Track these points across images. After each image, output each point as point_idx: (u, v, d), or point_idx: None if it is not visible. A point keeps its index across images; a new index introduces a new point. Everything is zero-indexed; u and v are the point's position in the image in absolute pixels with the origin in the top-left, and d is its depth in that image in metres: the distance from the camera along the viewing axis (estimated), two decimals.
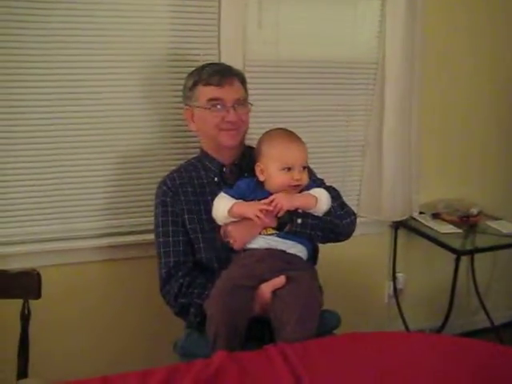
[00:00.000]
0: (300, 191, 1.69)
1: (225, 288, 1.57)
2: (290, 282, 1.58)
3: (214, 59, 2.16)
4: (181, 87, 1.91)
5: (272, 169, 1.68)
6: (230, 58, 2.14)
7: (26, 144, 2.08)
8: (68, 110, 2.10)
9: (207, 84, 1.80)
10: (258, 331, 1.60)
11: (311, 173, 1.83)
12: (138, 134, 2.21)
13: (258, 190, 1.71)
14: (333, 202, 1.74)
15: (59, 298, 2.11)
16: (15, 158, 2.08)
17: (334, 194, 1.80)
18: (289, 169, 1.66)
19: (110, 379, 1.30)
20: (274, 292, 1.58)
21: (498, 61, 2.82)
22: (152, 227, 1.88)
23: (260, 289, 1.59)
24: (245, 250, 1.70)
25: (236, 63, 2.00)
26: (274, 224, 1.66)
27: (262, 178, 1.71)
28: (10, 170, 2.09)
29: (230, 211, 1.66)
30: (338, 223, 1.77)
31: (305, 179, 1.69)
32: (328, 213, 1.72)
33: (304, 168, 1.68)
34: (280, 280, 1.59)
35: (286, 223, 1.66)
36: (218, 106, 1.78)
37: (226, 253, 1.74)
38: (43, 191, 2.14)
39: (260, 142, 1.75)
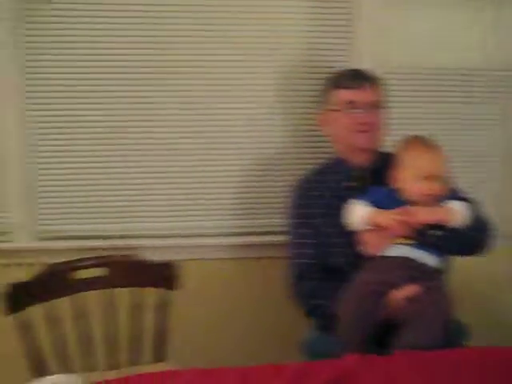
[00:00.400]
0: (437, 202, 1.66)
1: (359, 292, 1.58)
2: (423, 291, 1.57)
3: (348, 66, 2.16)
4: (314, 92, 1.99)
5: (406, 177, 1.66)
6: (366, 64, 2.14)
7: (167, 149, 2.23)
8: (207, 112, 2.21)
9: (342, 87, 1.84)
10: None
11: (450, 183, 1.77)
12: (274, 138, 2.27)
13: (392, 200, 1.68)
14: (470, 214, 1.69)
15: (194, 292, 2.18)
16: (152, 158, 2.22)
17: (471, 205, 1.74)
18: (424, 177, 1.63)
19: (248, 370, 1.35)
20: (407, 299, 1.57)
21: None
22: (284, 229, 1.93)
23: (393, 294, 1.58)
24: (379, 257, 1.68)
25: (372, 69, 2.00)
26: (409, 234, 1.63)
27: (396, 186, 1.70)
28: (150, 173, 2.23)
29: (365, 218, 1.66)
30: (474, 237, 1.72)
31: (440, 190, 1.64)
32: (465, 226, 1.66)
33: (440, 178, 1.64)
34: (413, 289, 1.58)
35: (424, 234, 1.62)
36: (352, 109, 1.81)
37: (357, 258, 1.73)
38: (185, 189, 2.26)
39: (398, 148, 1.73)
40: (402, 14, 2.29)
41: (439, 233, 1.62)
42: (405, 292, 1.58)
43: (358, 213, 1.68)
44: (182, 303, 1.95)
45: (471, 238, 1.71)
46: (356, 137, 1.82)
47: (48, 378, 1.26)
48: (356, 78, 1.85)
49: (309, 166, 2.03)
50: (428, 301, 1.55)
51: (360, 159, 1.86)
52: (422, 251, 1.64)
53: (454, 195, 1.71)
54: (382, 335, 1.58)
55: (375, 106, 1.84)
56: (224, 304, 2.33)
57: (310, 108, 2.13)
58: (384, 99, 1.89)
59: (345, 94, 1.83)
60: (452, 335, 1.76)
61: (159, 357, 1.86)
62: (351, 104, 1.81)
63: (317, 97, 1.95)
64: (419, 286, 1.58)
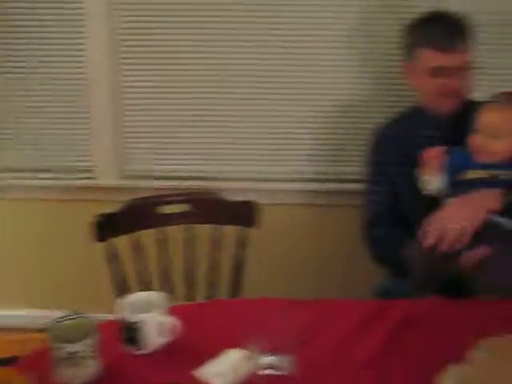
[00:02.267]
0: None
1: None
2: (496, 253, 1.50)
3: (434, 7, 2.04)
4: (396, 36, 1.88)
5: (479, 137, 1.60)
6: (457, 7, 2.02)
7: (248, 93, 2.26)
8: (287, 56, 2.21)
9: (431, 48, 1.70)
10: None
11: None
12: (352, 84, 2.24)
13: (469, 159, 1.63)
14: None
15: (272, 234, 2.23)
16: (239, 106, 2.27)
17: None
18: (494, 137, 1.57)
19: (327, 302, 1.42)
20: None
21: None
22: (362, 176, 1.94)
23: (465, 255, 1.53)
24: None
25: (467, 16, 1.81)
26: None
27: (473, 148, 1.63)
28: (233, 117, 2.28)
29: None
30: None
31: (494, 149, 1.57)
32: None
33: (496, 137, 1.56)
34: (485, 251, 1.51)
35: (509, 207, 1.55)
36: (441, 74, 1.70)
37: (430, 208, 1.66)
38: (267, 133, 2.30)
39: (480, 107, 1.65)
40: None
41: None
42: (477, 253, 1.52)
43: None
44: (260, 244, 2.01)
45: None
46: (442, 101, 1.75)
47: (133, 295, 1.33)
48: (447, 36, 1.69)
49: (390, 113, 2.00)
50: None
51: (442, 111, 1.80)
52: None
53: None
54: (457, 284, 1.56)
55: (466, 68, 1.72)
56: (301, 247, 2.38)
57: (394, 54, 2.02)
58: (474, 53, 1.77)
59: (434, 58, 1.70)
60: None
61: (235, 292, 1.93)
62: (441, 70, 1.70)
63: (400, 43, 1.85)
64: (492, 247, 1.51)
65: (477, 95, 1.84)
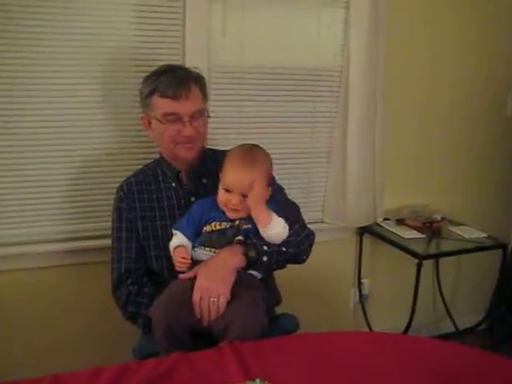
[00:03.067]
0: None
1: (170, 297, 1.57)
2: (234, 298, 1.55)
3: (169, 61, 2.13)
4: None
5: (220, 185, 1.68)
6: (194, 63, 2.10)
7: None
8: (28, 113, 2.10)
9: (163, 96, 1.73)
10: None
11: (274, 190, 1.75)
12: (97, 139, 2.21)
13: (213, 210, 1.70)
14: (294, 224, 1.73)
15: (16, 303, 2.10)
16: None
17: (294, 214, 1.79)
18: (225, 189, 1.65)
19: (62, 376, 1.30)
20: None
21: (460, 67, 2.87)
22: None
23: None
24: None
25: (200, 69, 1.92)
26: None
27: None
28: None
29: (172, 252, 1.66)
30: (298, 252, 1.76)
31: (246, 207, 1.64)
32: (287, 244, 1.70)
33: (245, 197, 1.63)
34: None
35: (253, 262, 1.63)
36: (173, 120, 1.73)
37: None
38: (6, 194, 2.13)
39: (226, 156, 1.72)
40: (237, 16, 2.34)
41: (265, 258, 1.64)
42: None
43: (170, 248, 1.67)
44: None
45: (296, 255, 1.75)
46: (178, 148, 1.77)
47: None
48: (178, 85, 1.72)
49: (136, 167, 1.99)
50: (239, 307, 1.54)
51: (183, 162, 1.84)
52: None
53: (276, 209, 1.69)
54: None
55: (198, 115, 1.76)
56: (49, 313, 2.25)
57: (138, 108, 2.06)
58: (207, 101, 1.86)
59: (166, 104, 1.73)
60: (280, 326, 1.84)
61: None
62: (174, 116, 1.73)
63: (140, 98, 1.86)
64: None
65: (213, 143, 1.91)
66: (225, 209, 1.66)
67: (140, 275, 1.81)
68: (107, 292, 1.85)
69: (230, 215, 1.67)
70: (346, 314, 2.92)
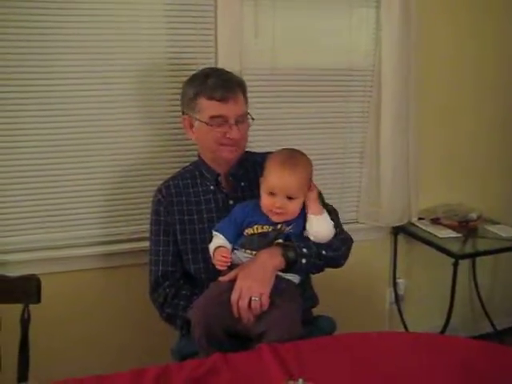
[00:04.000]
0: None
1: (210, 298, 1.59)
2: (273, 306, 1.56)
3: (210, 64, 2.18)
4: (177, 96, 1.91)
5: (262, 189, 1.68)
6: (227, 66, 2.13)
7: (25, 154, 2.12)
8: (65, 119, 2.13)
9: (210, 98, 1.74)
10: None
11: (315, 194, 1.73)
12: (135, 143, 2.24)
13: (256, 214, 1.69)
14: (334, 229, 1.72)
15: (57, 304, 2.14)
16: (13, 168, 2.12)
17: (333, 219, 1.76)
18: (269, 193, 1.65)
19: (104, 378, 1.32)
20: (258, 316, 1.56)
21: (500, 64, 2.84)
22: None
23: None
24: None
25: (233, 72, 1.93)
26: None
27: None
28: (8, 179, 2.12)
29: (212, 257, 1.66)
30: (337, 256, 1.75)
31: (290, 210, 1.64)
32: (326, 247, 1.70)
33: (290, 198, 1.63)
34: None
35: (292, 263, 1.63)
36: (220, 123, 1.74)
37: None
38: (42, 199, 2.17)
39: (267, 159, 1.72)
40: (269, 17, 2.35)
41: (304, 260, 1.64)
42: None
43: (210, 249, 1.68)
44: (44, 317, 1.88)
45: (334, 259, 1.75)
46: (222, 150, 1.78)
47: None
48: (225, 87, 1.74)
49: (173, 170, 2.01)
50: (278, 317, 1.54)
51: (223, 165, 1.85)
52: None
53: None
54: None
55: (243, 118, 1.78)
56: (90, 316, 2.28)
57: (174, 112, 2.08)
58: (248, 105, 1.86)
59: (216, 108, 1.73)
60: (318, 329, 1.84)
61: (23, 375, 1.77)
62: (221, 118, 1.74)
63: (179, 98, 1.89)
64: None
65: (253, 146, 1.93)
66: (269, 213, 1.66)
67: (177, 278, 1.83)
68: (146, 294, 1.87)
69: (275, 218, 1.66)
70: (382, 314, 2.90)
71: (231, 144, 1.77)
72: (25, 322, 1.75)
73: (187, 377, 1.32)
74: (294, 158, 1.68)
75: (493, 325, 3.03)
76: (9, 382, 1.73)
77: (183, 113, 1.87)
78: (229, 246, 1.67)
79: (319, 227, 1.67)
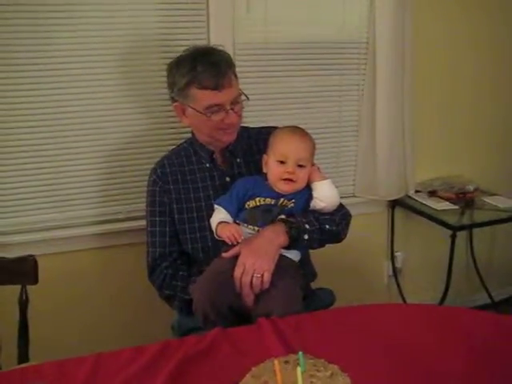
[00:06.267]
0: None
1: (213, 274, 1.58)
2: (273, 286, 1.55)
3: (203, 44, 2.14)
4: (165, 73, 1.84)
5: (270, 159, 1.68)
6: (220, 42, 2.10)
7: (19, 134, 2.09)
8: (59, 99, 2.11)
9: (204, 88, 1.68)
10: None
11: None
12: (129, 121, 2.22)
13: (258, 187, 1.69)
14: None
15: (55, 285, 2.15)
16: (7, 149, 2.09)
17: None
18: (282, 162, 1.64)
19: (104, 355, 1.32)
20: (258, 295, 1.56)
21: (495, 37, 2.81)
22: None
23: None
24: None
25: (225, 47, 1.87)
26: None
27: (264, 170, 1.71)
28: (2, 160, 2.10)
29: (215, 231, 1.65)
30: (337, 231, 1.74)
31: (300, 178, 1.65)
32: (328, 222, 1.69)
33: (301, 166, 1.65)
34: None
35: (294, 240, 1.62)
36: (217, 110, 1.71)
37: (213, 243, 1.74)
38: (37, 180, 2.16)
39: (271, 136, 1.73)
40: None
41: (306, 236, 1.64)
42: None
43: (213, 223, 1.67)
44: (41, 297, 1.88)
45: (335, 234, 1.74)
46: (221, 135, 1.76)
47: None
48: (217, 74, 1.67)
49: (168, 147, 1.99)
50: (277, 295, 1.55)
51: (220, 145, 1.83)
52: None
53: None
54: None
55: (237, 100, 1.75)
56: (90, 296, 2.29)
57: (164, 87, 1.96)
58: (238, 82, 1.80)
59: (210, 97, 1.69)
60: (317, 300, 1.85)
61: (24, 356, 1.77)
62: (218, 106, 1.70)
63: (171, 88, 1.81)
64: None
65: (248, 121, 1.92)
66: (278, 183, 1.66)
67: (174, 259, 1.82)
68: (145, 272, 1.87)
69: (285, 188, 1.66)
70: (380, 287, 2.91)
71: (229, 127, 1.76)
72: (23, 303, 1.75)
73: (187, 353, 1.32)
74: (300, 129, 1.72)
75: (490, 296, 3.04)
76: (10, 362, 1.74)
77: (173, 99, 1.81)
78: (230, 219, 1.67)
79: (327, 192, 1.69)
